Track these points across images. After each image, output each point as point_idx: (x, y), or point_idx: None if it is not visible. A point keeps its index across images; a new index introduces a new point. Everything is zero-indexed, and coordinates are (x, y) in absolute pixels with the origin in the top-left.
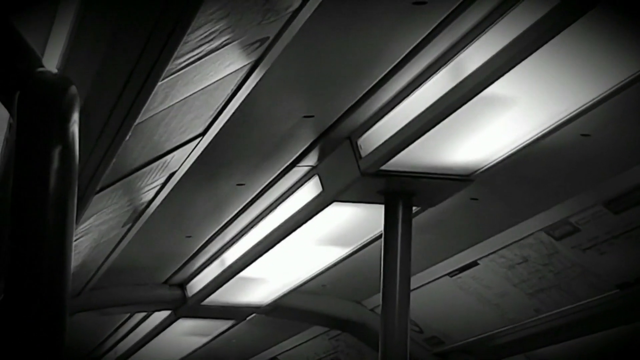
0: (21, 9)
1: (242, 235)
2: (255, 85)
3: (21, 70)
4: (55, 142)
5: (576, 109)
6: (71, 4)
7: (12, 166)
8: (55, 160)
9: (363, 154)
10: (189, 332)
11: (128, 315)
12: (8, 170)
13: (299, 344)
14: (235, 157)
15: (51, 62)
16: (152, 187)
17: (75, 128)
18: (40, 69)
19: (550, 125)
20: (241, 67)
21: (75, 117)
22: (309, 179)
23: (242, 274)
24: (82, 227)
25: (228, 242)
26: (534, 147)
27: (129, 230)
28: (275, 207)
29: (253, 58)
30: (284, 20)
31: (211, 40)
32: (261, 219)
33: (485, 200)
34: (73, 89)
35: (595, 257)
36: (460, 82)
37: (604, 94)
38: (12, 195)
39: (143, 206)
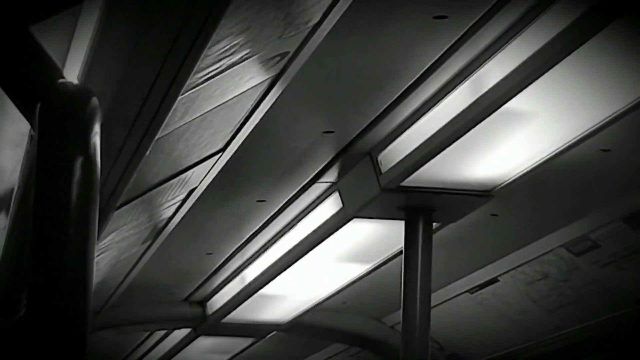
0: (42, 20)
1: (263, 252)
2: (275, 101)
3: (42, 82)
4: (77, 153)
5: (596, 124)
6: (92, 16)
7: (33, 179)
8: (77, 172)
9: (383, 169)
10: (210, 349)
11: (148, 333)
12: (29, 183)
13: None
14: (256, 173)
15: (72, 74)
16: (172, 203)
17: (96, 139)
18: (62, 80)
19: (570, 140)
20: (261, 82)
21: (97, 128)
22: (329, 195)
23: (262, 291)
24: (102, 243)
25: (248, 259)
26: (553, 162)
27: (149, 247)
28: (296, 224)
29: (273, 73)
30: (304, 35)
31: (231, 54)
32: (281, 236)
33: (505, 216)
34: (94, 100)
35: (615, 273)
36: (480, 97)
37: (624, 109)
38: (33, 210)
39: (163, 223)
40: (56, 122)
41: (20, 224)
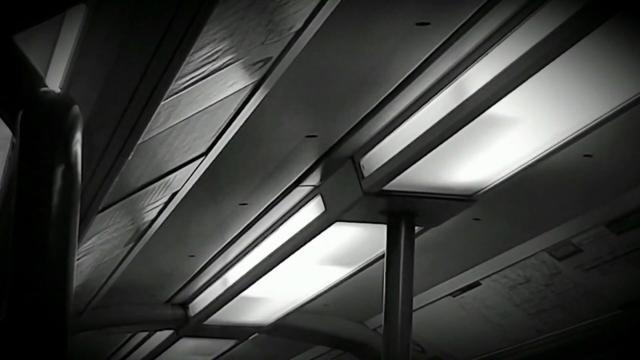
0: (25, 29)
1: (245, 254)
2: (258, 105)
3: (24, 90)
4: (58, 161)
5: (579, 130)
6: (75, 23)
7: (14, 185)
8: (58, 179)
9: (366, 173)
10: (191, 351)
11: (130, 334)
12: (11, 189)
13: None
14: (238, 176)
15: (54, 82)
16: (154, 206)
17: (78, 147)
18: (44, 89)
19: (553, 146)
20: (244, 87)
21: (78, 136)
22: (312, 198)
23: (245, 293)
24: (84, 246)
25: (230, 262)
26: (536, 167)
27: (131, 249)
28: (278, 227)
29: (256, 78)
30: (287, 41)
31: (215, 59)
32: (264, 239)
33: (487, 220)
34: (76, 108)
35: (598, 278)
36: (463, 103)
37: (607, 115)
38: (15, 214)
39: (145, 225)
40: (37, 130)
41: (1, 229)
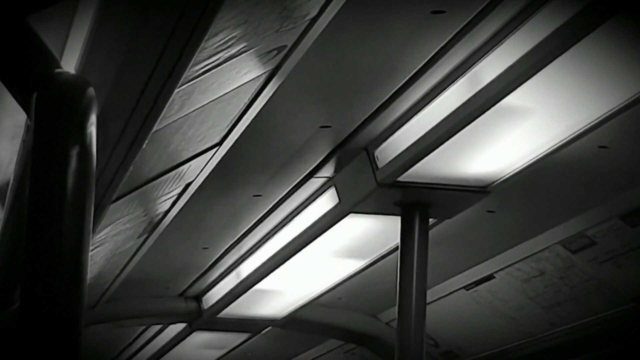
0: (39, 10)
1: (259, 247)
2: (272, 95)
3: (39, 71)
4: (72, 142)
5: (594, 120)
6: (90, 7)
7: (29, 169)
8: (73, 161)
9: (380, 165)
10: (205, 345)
11: (144, 327)
12: (25, 175)
13: (314, 358)
14: (252, 167)
15: (70, 65)
16: (168, 197)
17: (93, 129)
18: (58, 70)
19: (568, 137)
20: (258, 76)
21: (93, 118)
22: (326, 190)
23: (258, 286)
24: (98, 237)
25: (244, 254)
26: (550, 158)
27: (145, 241)
28: (292, 219)
29: (270, 66)
30: (302, 29)
31: (229, 47)
32: (277, 231)
33: (501, 212)
34: (91, 90)
35: (612, 271)
36: (478, 93)
37: (622, 105)
38: (29, 198)
39: (159, 217)
40: (52, 111)
41: (16, 216)
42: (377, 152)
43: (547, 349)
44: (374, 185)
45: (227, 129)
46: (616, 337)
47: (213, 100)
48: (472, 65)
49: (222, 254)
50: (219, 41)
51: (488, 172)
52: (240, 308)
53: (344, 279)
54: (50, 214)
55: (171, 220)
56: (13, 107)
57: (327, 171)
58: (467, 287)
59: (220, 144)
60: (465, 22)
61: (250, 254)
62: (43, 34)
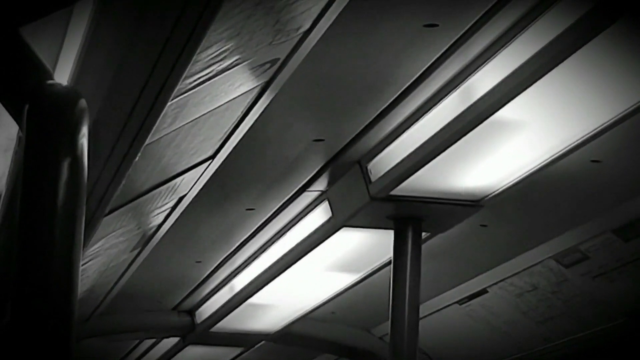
0: (31, 21)
1: (252, 260)
2: (265, 108)
3: (30, 83)
4: (64, 154)
5: (586, 134)
6: (83, 19)
7: (20, 181)
8: (64, 173)
9: (373, 178)
10: (198, 359)
11: (137, 341)
12: (17, 186)
13: None
14: (245, 181)
15: (62, 77)
16: (161, 210)
17: (84, 141)
18: (50, 82)
19: (561, 151)
20: (251, 89)
21: (85, 130)
22: (319, 203)
23: (251, 300)
24: (91, 250)
25: (237, 268)
26: (543, 172)
27: (137, 254)
28: (285, 233)
29: (263, 79)
30: (295, 42)
31: (221, 60)
32: (271, 245)
33: (494, 226)
34: (83, 102)
35: (605, 285)
36: (471, 106)
37: (615, 119)
38: (20, 211)
39: (152, 230)
40: (44, 123)
41: (7, 228)
42: (370, 166)
43: None
44: (367, 199)
45: (220, 142)
46: (609, 352)
47: (206, 113)
48: (465, 79)
49: (215, 268)
50: (212, 54)
51: (481, 185)
52: (234, 322)
53: (337, 293)
54: (41, 227)
55: (164, 234)
56: (6, 120)
57: (320, 185)
58: (460, 302)
59: (213, 157)
60: (458, 36)
61: (244, 267)
62: (36, 46)
